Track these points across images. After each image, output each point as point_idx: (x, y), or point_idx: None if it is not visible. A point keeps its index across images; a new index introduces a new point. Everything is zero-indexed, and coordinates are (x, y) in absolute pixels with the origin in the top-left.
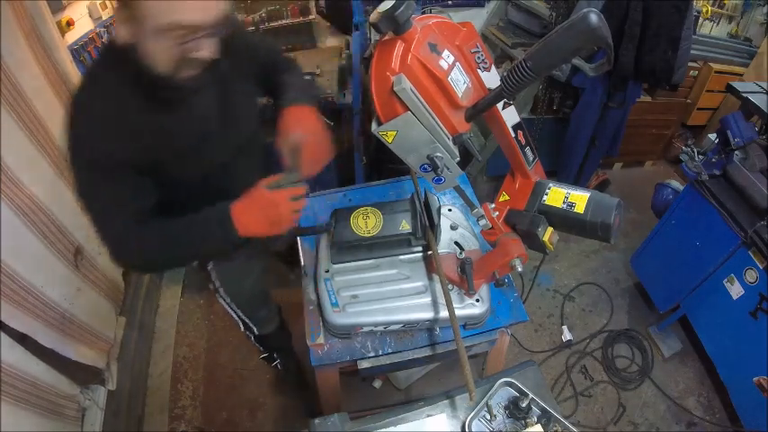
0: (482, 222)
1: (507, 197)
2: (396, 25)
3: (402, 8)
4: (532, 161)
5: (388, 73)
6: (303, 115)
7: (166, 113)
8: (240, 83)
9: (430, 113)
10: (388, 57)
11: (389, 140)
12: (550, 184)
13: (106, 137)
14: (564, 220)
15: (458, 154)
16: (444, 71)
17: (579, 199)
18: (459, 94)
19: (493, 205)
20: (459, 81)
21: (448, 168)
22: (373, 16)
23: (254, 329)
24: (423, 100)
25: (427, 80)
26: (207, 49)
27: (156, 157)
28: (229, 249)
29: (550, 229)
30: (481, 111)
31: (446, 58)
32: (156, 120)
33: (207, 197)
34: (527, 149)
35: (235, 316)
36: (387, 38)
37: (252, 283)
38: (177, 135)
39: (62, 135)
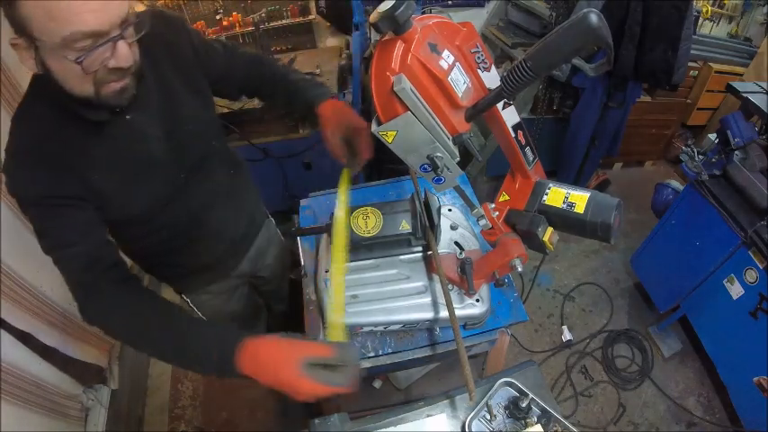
0: (482, 222)
1: (507, 197)
2: (396, 25)
3: (402, 8)
4: (532, 161)
5: (388, 73)
6: (340, 107)
7: (101, 137)
8: (189, 90)
9: (430, 113)
10: (389, 57)
11: (389, 140)
12: (550, 184)
13: (39, 171)
14: (564, 220)
15: (458, 154)
16: (444, 71)
17: (579, 199)
18: (460, 94)
19: (493, 205)
20: (460, 81)
21: (448, 168)
22: (373, 16)
23: None
24: (423, 100)
25: (427, 80)
26: (120, 57)
27: (100, 188)
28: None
29: (550, 230)
30: (481, 111)
31: (446, 58)
32: (90, 146)
33: (174, 231)
34: (527, 149)
35: None
36: (387, 38)
37: (231, 310)
38: (117, 161)
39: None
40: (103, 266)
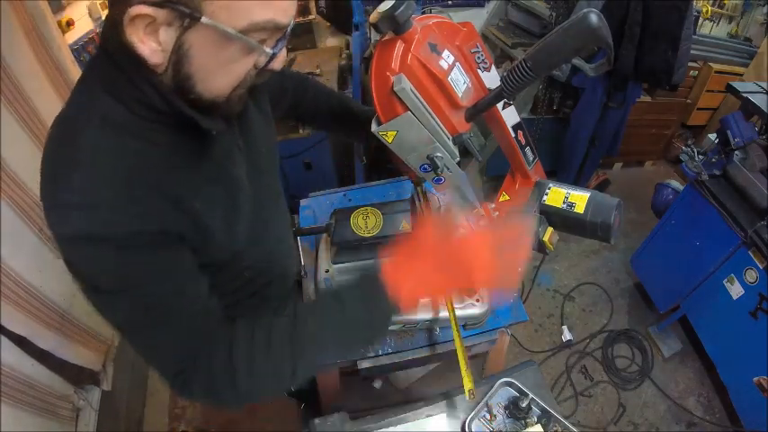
0: (482, 223)
1: (507, 197)
2: (396, 25)
3: (402, 8)
4: (532, 161)
5: (388, 73)
6: None
7: (204, 157)
8: (256, 107)
9: (430, 113)
10: (389, 57)
11: (389, 140)
12: (550, 184)
13: (131, 203)
14: (564, 220)
15: (458, 154)
16: (444, 71)
17: (579, 199)
18: (460, 94)
19: (493, 206)
20: (459, 81)
21: (448, 168)
22: (373, 16)
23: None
24: (423, 100)
25: (427, 80)
26: (281, 58)
27: (205, 222)
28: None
29: (550, 230)
30: (481, 111)
31: (446, 59)
32: (194, 168)
33: (257, 270)
34: (527, 149)
35: None
36: (387, 38)
37: None
38: (217, 187)
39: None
40: (217, 319)
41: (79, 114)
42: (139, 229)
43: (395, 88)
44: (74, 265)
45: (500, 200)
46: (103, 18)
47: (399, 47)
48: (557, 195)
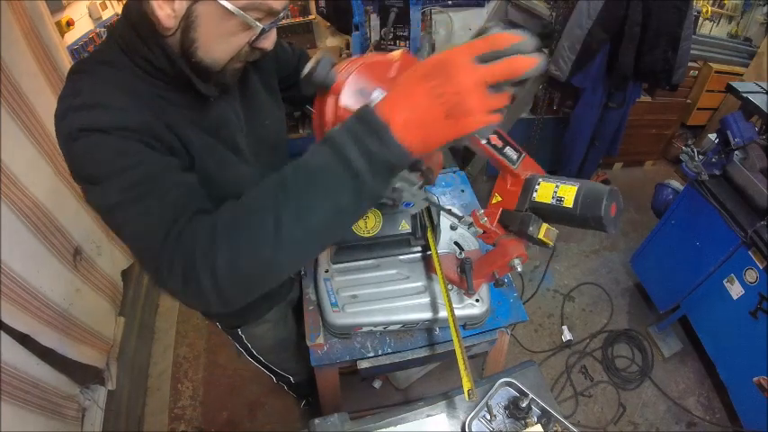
0: (472, 230)
1: (500, 198)
2: (317, 85)
3: (317, 69)
4: (517, 160)
5: (325, 129)
6: None
7: (200, 114)
8: (264, 85)
9: None
10: (323, 112)
11: None
12: (540, 179)
13: (132, 106)
14: (556, 215)
15: (416, 180)
16: None
17: (568, 192)
18: None
19: (482, 211)
20: None
21: (412, 194)
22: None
23: (290, 378)
24: None
25: None
26: (270, 40)
27: (200, 165)
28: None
29: (545, 226)
30: None
31: (376, 98)
32: (190, 119)
33: None
34: (506, 150)
35: (267, 371)
36: (319, 95)
37: (284, 337)
38: (213, 143)
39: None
40: (203, 200)
41: (94, 59)
42: (135, 126)
43: None
44: (71, 159)
45: (493, 201)
46: (104, 18)
47: (329, 101)
48: (546, 191)
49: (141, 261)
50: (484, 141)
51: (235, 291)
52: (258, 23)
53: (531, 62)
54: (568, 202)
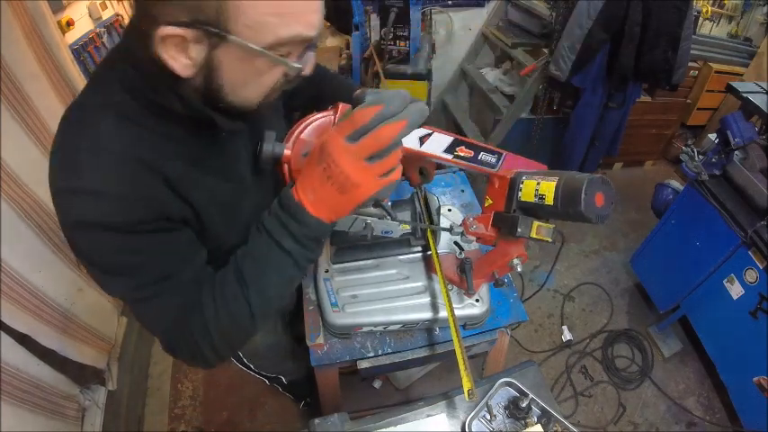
0: (464, 239)
1: (491, 201)
2: (271, 159)
3: (264, 148)
4: (497, 162)
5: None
6: None
7: (206, 153)
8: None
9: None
10: (285, 177)
11: None
12: (523, 177)
13: (136, 187)
14: (543, 212)
15: (387, 212)
16: None
17: (548, 188)
18: None
19: (472, 218)
20: None
21: (386, 225)
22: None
23: (282, 379)
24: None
25: None
26: (309, 66)
27: (201, 215)
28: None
29: (536, 224)
30: None
31: None
32: (200, 164)
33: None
34: (481, 155)
35: (259, 376)
36: (277, 164)
37: (272, 342)
38: (217, 185)
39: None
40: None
41: (93, 104)
42: (142, 217)
43: None
44: (77, 248)
45: (486, 205)
46: (104, 18)
47: (285, 170)
48: (529, 189)
49: (152, 334)
50: (451, 156)
51: (230, 352)
52: (289, 62)
53: (396, 128)
54: (549, 200)
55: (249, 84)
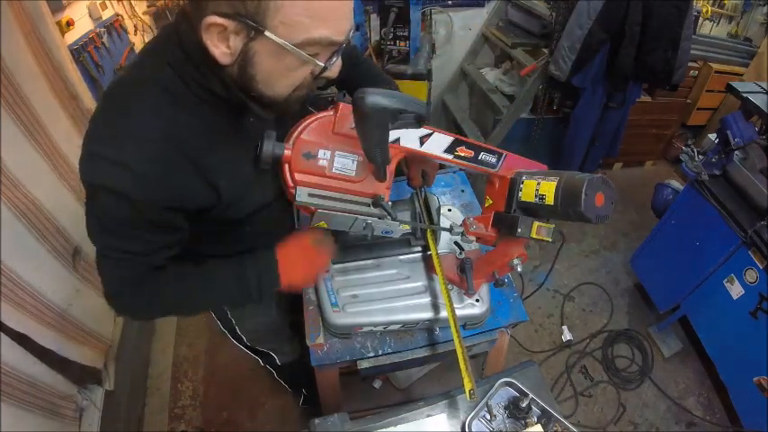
0: (465, 239)
1: (491, 201)
2: (270, 160)
3: (263, 148)
4: (497, 162)
5: (291, 190)
6: None
7: (235, 138)
8: None
9: (338, 200)
10: (285, 178)
11: (325, 226)
12: (524, 177)
13: (167, 168)
14: (543, 212)
15: (387, 212)
16: (325, 167)
17: (548, 188)
18: (352, 173)
19: (472, 218)
20: (347, 163)
21: (386, 225)
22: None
23: (276, 359)
24: (326, 194)
25: (319, 179)
26: (336, 69)
27: (223, 195)
28: (258, 300)
29: (536, 224)
30: (382, 166)
31: (323, 157)
32: (229, 145)
33: (240, 241)
34: (482, 155)
35: (252, 353)
36: (277, 164)
37: (270, 320)
38: (242, 164)
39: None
40: (151, 268)
41: (141, 79)
42: (161, 200)
43: (295, 201)
44: (89, 201)
45: (486, 205)
46: (104, 18)
47: (286, 168)
48: (529, 189)
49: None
50: (451, 156)
51: (140, 317)
52: (317, 61)
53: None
54: (549, 200)
55: (280, 77)
